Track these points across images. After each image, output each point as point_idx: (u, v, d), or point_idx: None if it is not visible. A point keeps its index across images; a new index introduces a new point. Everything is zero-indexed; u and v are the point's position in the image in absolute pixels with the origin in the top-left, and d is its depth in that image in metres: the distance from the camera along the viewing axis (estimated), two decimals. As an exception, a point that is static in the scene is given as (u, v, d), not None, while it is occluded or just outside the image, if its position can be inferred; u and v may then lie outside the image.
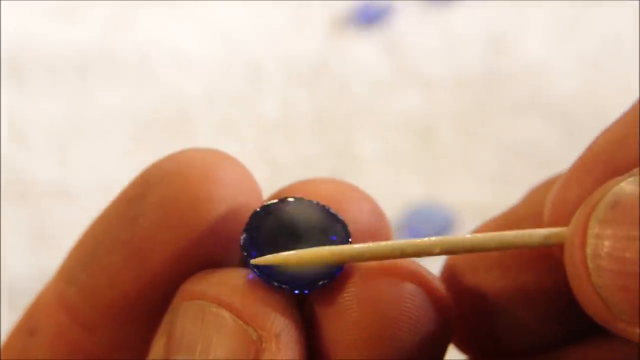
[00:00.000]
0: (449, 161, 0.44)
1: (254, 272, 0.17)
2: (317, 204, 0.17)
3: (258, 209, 0.17)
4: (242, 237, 0.17)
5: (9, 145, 0.45)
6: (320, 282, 0.17)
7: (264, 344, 0.16)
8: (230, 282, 0.17)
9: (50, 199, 0.43)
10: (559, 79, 0.48)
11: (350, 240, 0.17)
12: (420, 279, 0.17)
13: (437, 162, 0.44)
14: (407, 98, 0.47)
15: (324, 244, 0.17)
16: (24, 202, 0.43)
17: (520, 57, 0.49)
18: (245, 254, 0.17)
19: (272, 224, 0.17)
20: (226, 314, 0.16)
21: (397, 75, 0.48)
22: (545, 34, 0.50)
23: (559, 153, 0.44)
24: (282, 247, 0.17)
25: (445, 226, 0.41)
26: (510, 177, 0.43)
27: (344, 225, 0.17)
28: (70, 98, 0.48)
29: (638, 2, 0.50)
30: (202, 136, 0.46)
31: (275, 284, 0.17)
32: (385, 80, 0.48)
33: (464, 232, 0.41)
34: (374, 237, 0.18)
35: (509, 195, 0.42)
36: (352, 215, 0.18)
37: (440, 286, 0.17)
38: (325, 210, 0.17)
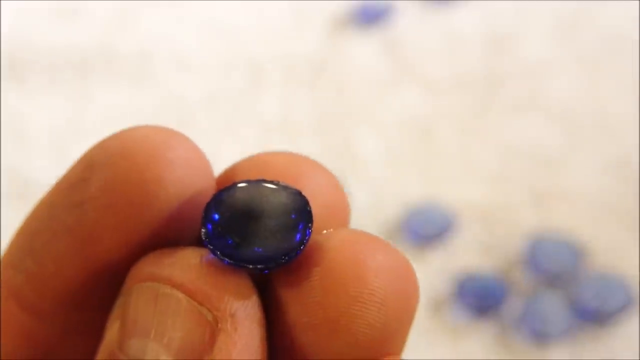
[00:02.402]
0: (449, 161, 0.44)
1: (212, 251, 0.16)
2: (273, 183, 0.17)
3: (210, 200, 0.17)
4: (202, 232, 0.16)
5: (9, 145, 0.45)
6: (281, 260, 0.16)
7: (219, 324, 0.16)
8: (184, 262, 0.16)
9: (50, 199, 0.43)
10: (559, 79, 0.48)
11: (311, 215, 0.17)
12: (385, 255, 0.16)
13: (437, 162, 0.44)
14: (407, 98, 0.47)
15: (287, 223, 0.16)
16: (24, 202, 0.43)
17: (520, 57, 0.49)
18: (211, 247, 0.16)
19: (230, 212, 0.17)
20: (180, 295, 0.16)
21: (397, 75, 0.48)
22: (545, 34, 0.50)
23: (559, 153, 0.44)
24: (245, 232, 0.16)
25: (445, 226, 0.41)
26: (510, 177, 0.43)
27: (304, 200, 0.17)
28: (70, 98, 0.48)
29: (638, 1, 0.50)
30: (202, 136, 0.46)
31: (233, 263, 0.16)
32: (385, 80, 0.48)
33: (464, 232, 0.41)
34: (333, 210, 0.18)
35: (509, 195, 0.42)
36: (310, 189, 0.17)
37: (405, 261, 0.17)
38: (283, 188, 0.17)
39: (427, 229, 0.41)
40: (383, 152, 0.45)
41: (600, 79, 0.47)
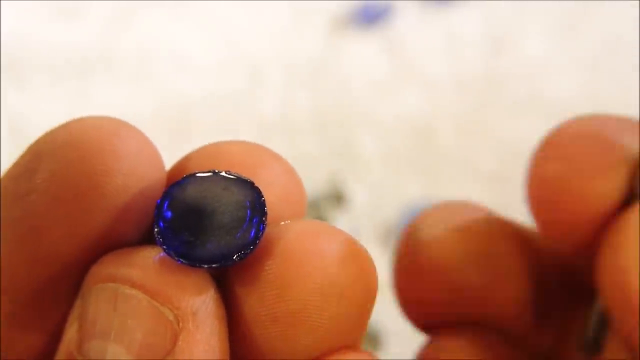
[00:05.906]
0: (449, 161, 0.44)
1: (165, 251, 0.16)
2: (225, 174, 0.16)
3: (162, 196, 0.16)
4: (155, 230, 0.16)
5: (9, 145, 0.45)
6: (236, 258, 0.16)
7: (180, 324, 0.15)
8: (142, 262, 0.16)
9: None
10: (559, 79, 0.48)
11: (265, 208, 0.16)
12: (343, 246, 0.16)
13: (437, 162, 0.44)
14: (407, 98, 0.47)
15: (240, 218, 0.16)
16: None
17: (520, 57, 0.49)
18: (164, 247, 0.16)
19: (183, 208, 0.16)
20: (140, 296, 0.15)
21: (397, 75, 0.48)
22: (545, 34, 0.50)
23: (559, 153, 0.44)
24: (198, 229, 0.16)
25: (445, 226, 0.41)
26: (511, 177, 0.43)
27: (257, 192, 0.16)
28: (70, 98, 0.48)
29: (638, 2, 0.50)
30: (202, 136, 0.46)
31: (188, 263, 0.16)
32: (385, 80, 0.48)
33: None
34: (289, 199, 0.18)
35: (508, 195, 0.42)
36: (264, 178, 0.17)
37: (364, 251, 0.17)
38: (235, 180, 0.16)
39: (427, 229, 0.41)
40: (383, 152, 0.45)
41: (600, 79, 0.47)
